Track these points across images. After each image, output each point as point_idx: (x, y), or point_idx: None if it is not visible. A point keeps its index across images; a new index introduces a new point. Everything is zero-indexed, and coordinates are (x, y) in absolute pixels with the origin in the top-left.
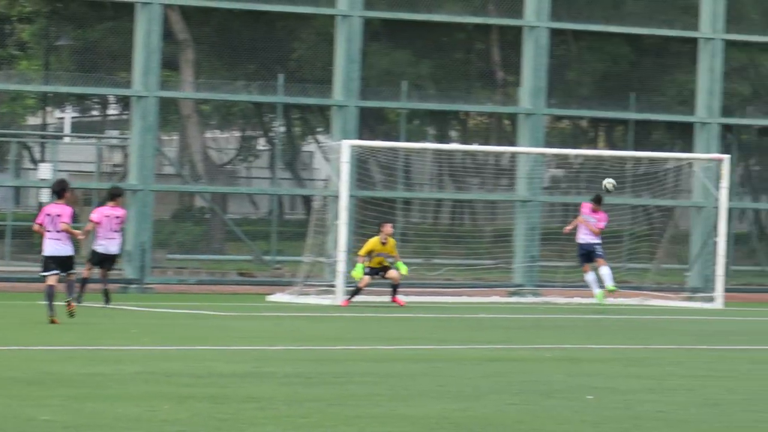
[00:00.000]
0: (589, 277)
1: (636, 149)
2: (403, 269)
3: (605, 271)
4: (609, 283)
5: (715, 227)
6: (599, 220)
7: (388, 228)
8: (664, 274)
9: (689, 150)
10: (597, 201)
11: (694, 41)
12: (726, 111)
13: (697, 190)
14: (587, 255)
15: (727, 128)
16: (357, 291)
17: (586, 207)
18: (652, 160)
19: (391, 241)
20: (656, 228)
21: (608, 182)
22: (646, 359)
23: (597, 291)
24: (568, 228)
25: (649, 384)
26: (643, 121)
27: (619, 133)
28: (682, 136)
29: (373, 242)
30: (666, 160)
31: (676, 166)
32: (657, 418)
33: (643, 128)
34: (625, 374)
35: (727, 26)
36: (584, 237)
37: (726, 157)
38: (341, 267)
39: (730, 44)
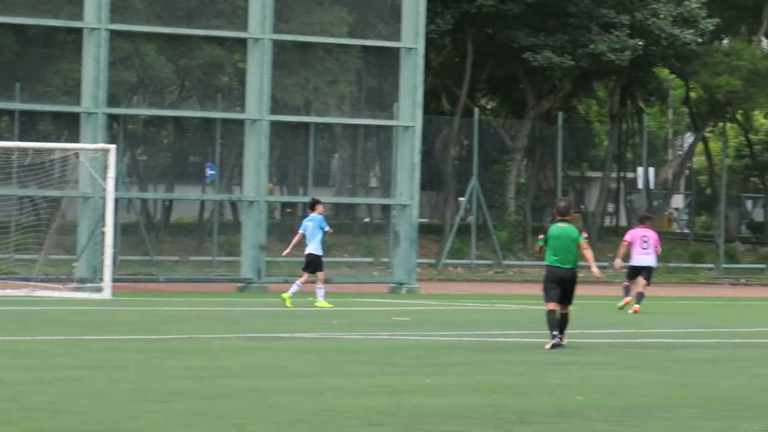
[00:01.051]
0: None
1: (22, 140)
2: None
3: None
4: None
5: (102, 217)
6: None
7: (320, 208)
8: (52, 265)
9: (76, 140)
10: None
11: (79, 31)
12: (112, 101)
13: (84, 180)
14: None
15: (113, 118)
16: None
17: None
18: (38, 150)
19: None
20: (43, 219)
21: None
22: (35, 350)
23: None
24: None
25: (39, 375)
26: (29, 111)
27: (5, 124)
28: (69, 126)
29: None
30: (53, 150)
31: (63, 157)
32: (47, 409)
33: (29, 118)
34: (13, 366)
35: (112, 16)
36: None
37: (112, 147)
38: None
39: (115, 34)
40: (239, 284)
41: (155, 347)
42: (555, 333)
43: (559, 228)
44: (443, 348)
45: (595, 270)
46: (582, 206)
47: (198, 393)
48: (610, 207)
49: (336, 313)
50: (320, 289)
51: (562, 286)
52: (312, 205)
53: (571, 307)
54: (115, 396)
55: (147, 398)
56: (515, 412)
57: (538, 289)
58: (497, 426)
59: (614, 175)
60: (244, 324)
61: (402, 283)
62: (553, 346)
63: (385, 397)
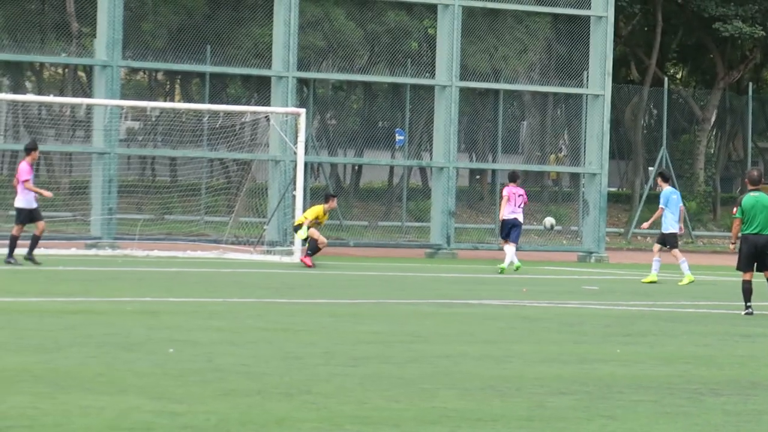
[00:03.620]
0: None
1: (212, 102)
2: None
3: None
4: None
5: (293, 181)
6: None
7: (334, 202)
8: (243, 228)
9: (266, 103)
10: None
11: None
12: (302, 65)
13: (275, 143)
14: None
15: (303, 82)
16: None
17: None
18: (228, 113)
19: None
20: (234, 181)
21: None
22: (226, 312)
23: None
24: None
25: (230, 337)
26: (219, 74)
27: (195, 86)
28: (259, 89)
29: (318, 210)
30: (243, 113)
31: (253, 120)
32: (238, 371)
33: (219, 81)
34: (205, 327)
35: None
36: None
37: (302, 110)
38: None
39: None
40: (428, 250)
41: (344, 311)
42: (749, 304)
43: (752, 197)
44: (633, 317)
45: None
46: None
47: (387, 358)
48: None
49: (533, 281)
50: (683, 263)
51: (760, 254)
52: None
53: None
54: (305, 359)
55: (337, 362)
56: (706, 383)
57: (727, 260)
58: (689, 397)
59: None
60: (433, 290)
61: (591, 252)
62: (747, 314)
63: (575, 365)
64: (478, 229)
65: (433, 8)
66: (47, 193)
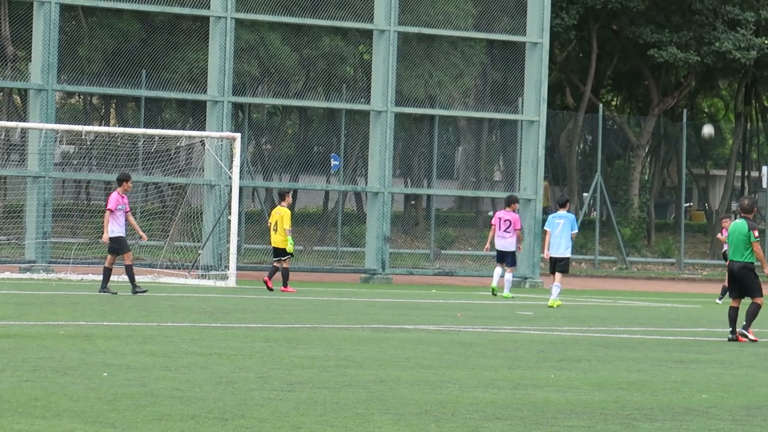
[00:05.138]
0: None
1: (148, 126)
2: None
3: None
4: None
5: (227, 205)
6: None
7: (289, 198)
8: (177, 252)
9: (201, 128)
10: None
11: (205, 19)
12: (237, 90)
13: (210, 168)
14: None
15: (238, 107)
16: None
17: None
18: (164, 137)
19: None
20: (169, 206)
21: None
22: (161, 337)
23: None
24: None
25: (164, 361)
26: (154, 98)
27: (130, 110)
28: (194, 113)
29: (286, 213)
30: (178, 137)
31: (189, 144)
32: (172, 396)
33: (155, 105)
34: (139, 351)
35: (237, 5)
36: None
37: (238, 135)
38: None
39: (240, 23)
40: (363, 275)
41: (279, 336)
42: (731, 329)
43: (735, 224)
44: (567, 343)
45: (766, 270)
46: (706, 204)
47: (322, 383)
48: (734, 205)
49: (467, 306)
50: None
51: (736, 281)
52: (563, 204)
53: (759, 299)
54: (240, 384)
55: (272, 387)
56: (640, 409)
57: (661, 287)
58: (622, 422)
59: (738, 173)
60: (368, 315)
61: (526, 278)
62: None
63: (509, 390)
64: (413, 254)
65: (368, 33)
66: None
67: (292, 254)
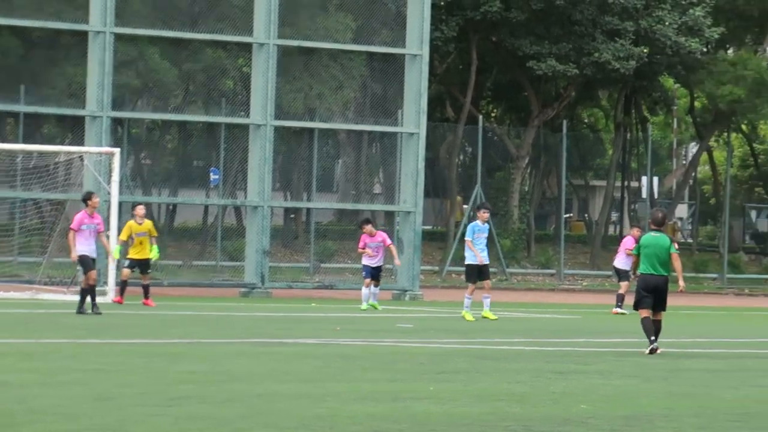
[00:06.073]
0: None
1: (26, 142)
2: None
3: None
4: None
5: (106, 221)
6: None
7: (140, 209)
8: (56, 268)
9: (80, 143)
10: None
11: (83, 34)
12: (116, 104)
13: (88, 183)
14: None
15: (117, 121)
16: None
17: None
18: (42, 153)
19: (148, 222)
20: (47, 222)
21: None
22: (39, 353)
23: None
24: None
25: (43, 378)
26: (33, 114)
27: (9, 126)
28: (73, 129)
29: (128, 227)
30: (57, 153)
31: (67, 160)
32: (52, 413)
33: (33, 121)
34: (18, 368)
35: (117, 20)
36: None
37: (117, 150)
38: None
39: (119, 37)
40: (243, 289)
41: (159, 351)
42: (653, 338)
43: (652, 237)
44: (447, 355)
45: (681, 283)
46: (586, 215)
47: (203, 398)
48: (614, 216)
49: (348, 319)
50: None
51: (654, 294)
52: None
53: (663, 314)
54: (120, 400)
55: (152, 402)
56: (519, 420)
57: (541, 297)
58: None
59: (618, 184)
60: (248, 329)
61: (406, 290)
62: (651, 351)
63: (389, 403)
64: (292, 268)
65: (248, 47)
66: None
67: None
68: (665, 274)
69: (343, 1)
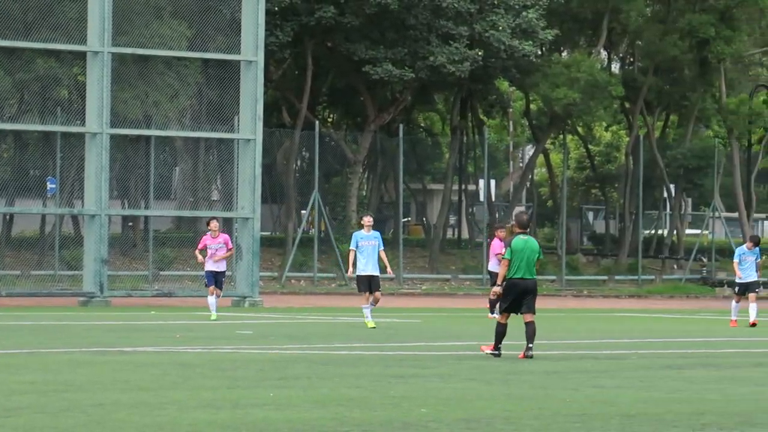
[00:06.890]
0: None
1: None
2: None
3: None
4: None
5: None
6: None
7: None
8: None
9: None
10: None
11: None
12: None
13: None
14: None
15: None
16: None
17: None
18: None
19: None
20: None
21: None
22: None
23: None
24: None
25: None
26: None
27: None
28: None
29: None
30: None
31: None
32: None
33: None
34: None
35: None
36: None
37: None
38: None
39: None
40: (82, 298)
41: None
42: (499, 345)
43: (522, 240)
44: (287, 361)
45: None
46: (424, 218)
47: (41, 408)
48: (452, 219)
49: (187, 326)
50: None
51: (524, 297)
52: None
53: (534, 317)
54: None
55: None
56: (360, 425)
57: (381, 302)
58: None
59: (456, 187)
60: (87, 338)
61: (245, 297)
62: (495, 356)
63: (229, 410)
64: (131, 276)
65: (82, 55)
66: None
67: None
68: (534, 277)
69: (177, 8)
